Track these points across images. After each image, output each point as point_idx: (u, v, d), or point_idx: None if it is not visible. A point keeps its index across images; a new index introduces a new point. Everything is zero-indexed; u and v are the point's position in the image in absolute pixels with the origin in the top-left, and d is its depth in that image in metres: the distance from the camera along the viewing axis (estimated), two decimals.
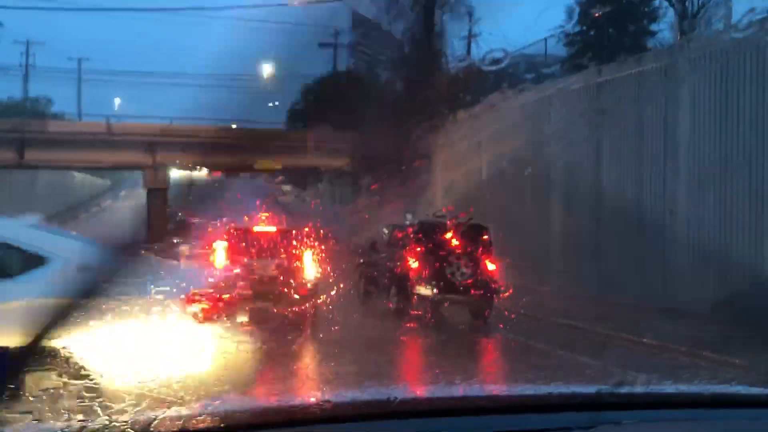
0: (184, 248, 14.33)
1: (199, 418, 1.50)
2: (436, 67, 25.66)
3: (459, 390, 1.86)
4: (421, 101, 25.05)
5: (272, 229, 12.17)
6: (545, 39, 23.13)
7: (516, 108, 18.94)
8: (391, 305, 12.71)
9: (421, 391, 1.95)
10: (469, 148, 21.80)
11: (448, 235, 12.32)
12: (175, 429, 1.46)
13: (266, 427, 1.51)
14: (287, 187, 55.37)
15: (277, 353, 9.57)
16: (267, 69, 45.44)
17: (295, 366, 9.32)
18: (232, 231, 11.97)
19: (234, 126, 37.02)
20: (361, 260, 15.10)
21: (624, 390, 1.79)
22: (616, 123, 14.46)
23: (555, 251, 16.74)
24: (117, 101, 51.30)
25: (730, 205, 11.57)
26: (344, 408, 1.55)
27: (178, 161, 31.62)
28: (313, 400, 1.60)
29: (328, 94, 37.44)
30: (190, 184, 53.90)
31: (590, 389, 1.75)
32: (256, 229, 12.06)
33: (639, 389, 1.83)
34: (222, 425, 1.48)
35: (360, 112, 31.36)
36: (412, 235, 12.55)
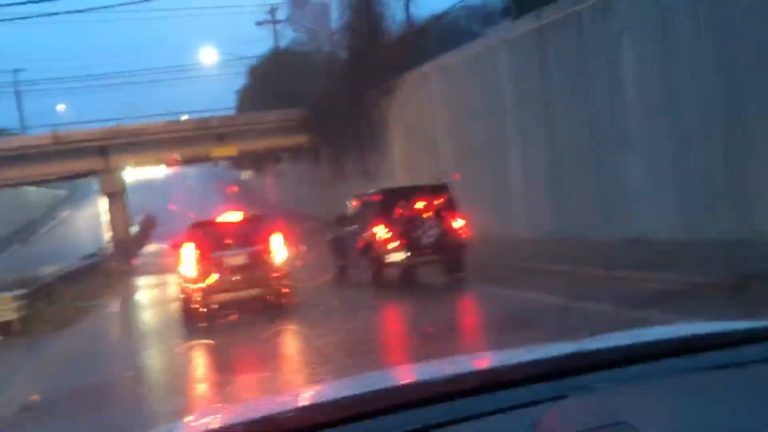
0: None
1: None
2: (378, 31, 25.41)
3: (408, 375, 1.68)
4: (368, 67, 24.87)
5: (237, 217, 12.07)
6: None
7: (463, 62, 18.96)
8: (365, 277, 12.78)
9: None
10: (422, 110, 21.81)
11: (412, 198, 12.38)
12: None
13: None
14: (247, 172, 54.88)
15: (258, 341, 9.62)
16: (209, 55, 44.63)
17: (278, 353, 9.38)
18: (196, 226, 11.84)
19: (184, 118, 36.43)
20: (331, 236, 15.13)
21: (592, 348, 1.65)
22: (562, 65, 14.56)
23: (516, 198, 16.97)
24: (61, 108, 50.00)
25: (680, 131, 11.81)
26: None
27: (131, 161, 31.08)
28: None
29: (274, 72, 36.94)
30: (148, 183, 53.09)
31: (557, 351, 1.61)
32: (220, 220, 11.94)
33: (607, 345, 1.68)
34: None
35: (309, 86, 31.09)
36: (375, 204, 12.57)
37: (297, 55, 38.78)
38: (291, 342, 10.24)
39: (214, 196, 51.87)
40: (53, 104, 49.84)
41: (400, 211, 12.21)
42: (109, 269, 20.56)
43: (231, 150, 33.55)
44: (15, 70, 46.31)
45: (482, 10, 26.12)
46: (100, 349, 11.28)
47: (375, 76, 24.79)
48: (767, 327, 1.62)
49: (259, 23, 43.12)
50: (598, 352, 1.63)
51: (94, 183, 50.76)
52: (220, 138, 32.48)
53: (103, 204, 39.21)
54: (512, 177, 16.98)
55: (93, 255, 24.43)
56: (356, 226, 13.34)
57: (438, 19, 23.58)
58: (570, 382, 1.46)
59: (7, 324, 12.33)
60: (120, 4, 29.59)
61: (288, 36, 43.44)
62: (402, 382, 1.62)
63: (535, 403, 1.37)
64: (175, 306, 12.46)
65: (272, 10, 42.44)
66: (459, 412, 1.35)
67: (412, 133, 22.89)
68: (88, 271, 19.47)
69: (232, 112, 41.86)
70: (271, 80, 37.35)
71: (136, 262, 25.37)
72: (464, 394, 1.42)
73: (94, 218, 41.80)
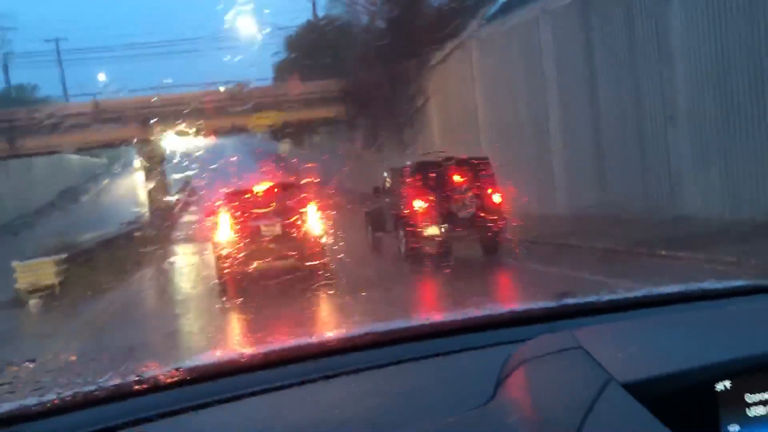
0: None
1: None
2: (417, 1, 24.99)
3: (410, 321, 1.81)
4: (407, 38, 24.51)
5: (272, 186, 12.03)
6: None
7: (504, 34, 18.52)
8: (401, 250, 12.66)
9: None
10: (461, 83, 21.45)
11: (450, 171, 12.17)
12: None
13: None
14: (285, 143, 55.02)
15: (290, 309, 9.62)
16: (248, 25, 44.48)
17: (309, 321, 9.37)
18: (231, 195, 11.84)
19: (222, 88, 36.55)
20: (367, 208, 15.02)
21: (581, 300, 1.82)
22: (607, 37, 14.09)
23: (559, 175, 16.60)
24: (102, 78, 50.52)
25: (730, 105, 11.35)
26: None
27: (170, 131, 31.33)
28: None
29: (312, 43, 36.77)
30: (186, 153, 53.67)
31: (549, 303, 1.78)
32: (256, 189, 11.91)
33: (594, 297, 1.83)
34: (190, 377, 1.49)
35: (347, 58, 30.86)
36: (413, 176, 12.39)
37: (335, 25, 38.54)
38: (323, 310, 10.22)
39: (252, 167, 52.15)
40: (95, 73, 50.45)
41: (438, 183, 12.02)
42: (148, 236, 20.82)
43: (268, 120, 33.62)
44: (57, 39, 46.89)
45: None
46: (137, 314, 11.43)
47: (414, 47, 24.46)
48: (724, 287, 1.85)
49: None
50: (570, 305, 1.81)
51: (134, 152, 51.58)
52: (258, 108, 32.55)
53: (141, 173, 39.87)
54: (554, 151, 16.61)
55: (133, 222, 24.79)
56: (392, 198, 13.20)
57: None
58: (556, 325, 1.64)
59: (49, 288, 12.56)
60: None
61: (326, 6, 43.14)
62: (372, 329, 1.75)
63: (507, 343, 1.52)
64: (212, 273, 12.55)
65: None
66: (444, 348, 1.55)
67: (452, 106, 22.57)
68: (127, 238, 19.74)
69: (269, 82, 41.87)
70: (309, 51, 37.19)
71: (174, 229, 25.69)
72: (440, 335, 1.64)
73: (134, 187, 42.49)
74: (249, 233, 11.30)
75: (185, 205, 36.30)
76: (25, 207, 35.70)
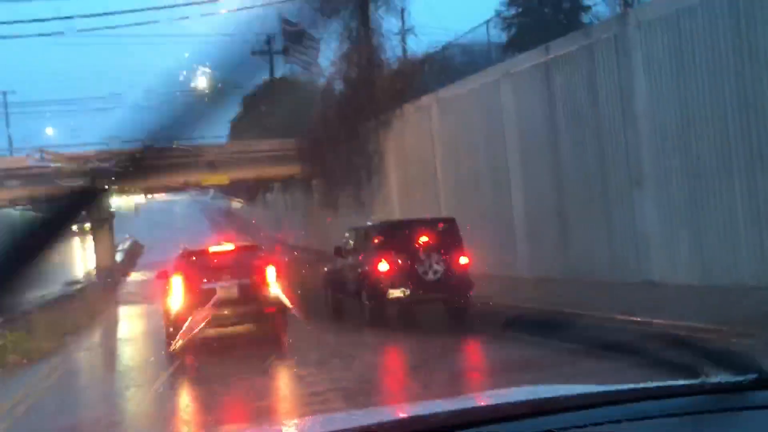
0: None
1: None
2: (376, 63, 25.10)
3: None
4: (365, 98, 24.50)
5: (229, 247, 11.41)
6: (486, 23, 22.73)
7: (465, 95, 18.54)
8: (364, 314, 12.09)
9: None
10: (420, 142, 21.35)
11: (416, 232, 11.78)
12: None
13: None
14: (237, 201, 54.16)
15: (249, 379, 8.93)
16: (202, 82, 44.18)
17: (269, 393, 8.69)
18: (185, 255, 11.16)
19: (176, 144, 35.71)
20: (327, 267, 14.47)
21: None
22: (570, 99, 14.14)
23: (520, 236, 16.38)
24: (50, 131, 49.22)
25: (696, 167, 11.33)
26: None
27: (119, 186, 30.37)
28: None
29: (268, 102, 36.61)
30: (133, 210, 52.24)
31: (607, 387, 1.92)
32: (212, 249, 11.27)
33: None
34: None
35: (303, 117, 30.70)
36: (378, 237, 11.94)
37: (292, 85, 38.56)
38: (282, 383, 9.51)
39: (201, 225, 51.06)
40: (40, 127, 49.15)
41: (403, 244, 11.60)
42: (93, 298, 19.68)
43: (223, 178, 33.03)
44: (4, 92, 45.62)
45: (480, 47, 25.96)
46: (77, 386, 10.51)
47: (372, 107, 24.45)
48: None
49: (254, 53, 42.83)
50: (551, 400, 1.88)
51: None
52: (212, 166, 31.96)
53: (85, 230, 38.37)
54: (515, 213, 16.43)
55: (76, 282, 23.53)
56: (355, 258, 12.70)
57: (436, 52, 23.31)
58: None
59: None
60: (111, 27, 29.19)
61: (284, 66, 43.23)
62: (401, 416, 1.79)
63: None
64: (161, 339, 11.72)
65: (269, 41, 42.30)
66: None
67: (410, 166, 22.42)
68: (70, 299, 18.59)
69: (223, 140, 41.36)
70: (266, 110, 37.03)
71: (120, 291, 24.52)
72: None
73: (77, 244, 40.84)
74: (203, 296, 10.60)
75: (132, 265, 35.00)
76: None
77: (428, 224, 12.05)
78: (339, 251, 13.76)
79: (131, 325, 16.82)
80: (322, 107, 28.75)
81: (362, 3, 25.50)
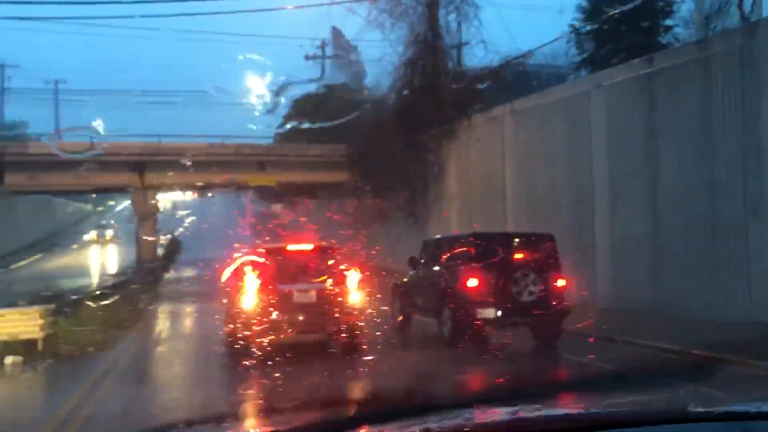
0: None
1: None
2: (442, 70, 24.16)
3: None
4: (427, 107, 23.56)
5: (309, 247, 10.45)
6: (562, 37, 21.73)
7: (545, 107, 17.49)
8: (443, 332, 11.01)
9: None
10: (489, 155, 20.31)
11: (510, 247, 10.70)
12: None
13: None
14: (277, 205, 53.49)
15: (325, 397, 7.92)
16: (255, 83, 43.68)
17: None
18: (262, 252, 10.23)
19: (225, 143, 35.29)
20: (398, 281, 13.42)
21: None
22: (676, 116, 12.99)
23: (601, 263, 15.18)
24: (97, 123, 49.16)
25: None
26: None
27: (167, 181, 29.80)
28: None
29: (319, 107, 35.97)
30: (174, 206, 51.92)
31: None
32: (290, 248, 10.33)
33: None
34: None
35: (355, 124, 29.91)
36: (468, 249, 10.85)
37: (342, 91, 37.89)
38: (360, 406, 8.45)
39: (239, 225, 50.50)
40: (90, 117, 49.11)
41: (496, 259, 10.52)
42: (137, 292, 18.91)
43: (270, 180, 32.35)
44: (56, 81, 45.60)
45: (552, 62, 24.93)
46: (139, 386, 9.60)
47: (435, 116, 23.50)
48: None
49: (308, 57, 42.42)
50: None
51: (124, 200, 49.79)
52: (261, 167, 31.34)
53: (130, 223, 38.00)
54: (598, 238, 15.25)
55: (120, 275, 22.89)
56: (435, 272, 11.65)
57: (509, 63, 22.29)
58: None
59: (32, 342, 10.65)
60: (172, 15, 28.74)
61: (331, 72, 42.70)
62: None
63: None
64: (217, 341, 10.82)
65: (323, 46, 41.76)
66: None
67: (474, 179, 21.36)
68: (115, 293, 17.85)
69: (268, 142, 40.77)
70: (315, 114, 36.40)
71: (163, 286, 23.78)
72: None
73: (121, 236, 40.51)
74: (278, 299, 9.65)
75: (172, 261, 34.41)
76: (3, 247, 33.54)
77: (524, 239, 10.98)
78: (414, 262, 12.72)
79: (179, 322, 15.94)
80: (379, 113, 27.93)
81: (431, 7, 24.64)
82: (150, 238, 27.96)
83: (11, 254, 33.83)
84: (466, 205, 21.85)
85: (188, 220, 46.67)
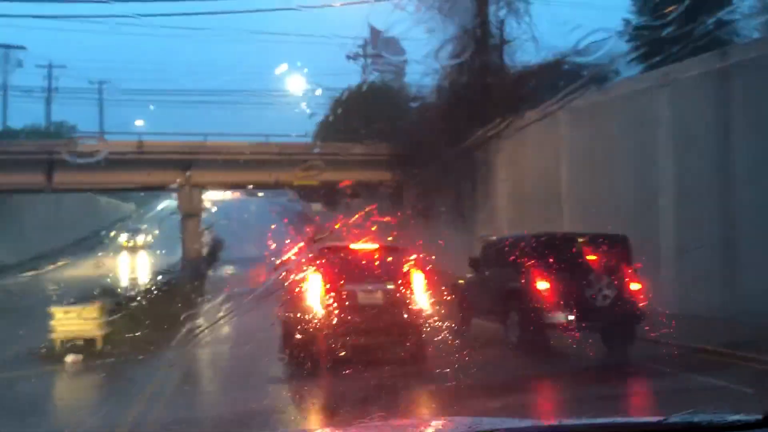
0: None
1: None
2: (492, 67, 23.65)
3: None
4: (477, 104, 23.08)
5: (373, 246, 10.09)
6: (617, 33, 21.03)
7: (604, 104, 16.89)
8: (509, 336, 10.58)
9: None
10: (542, 153, 19.76)
11: (582, 248, 10.21)
12: None
13: None
14: (317, 205, 53.45)
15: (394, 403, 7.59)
16: (296, 83, 43.60)
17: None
18: (323, 252, 9.92)
19: (269, 141, 35.24)
20: (459, 281, 13.02)
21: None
22: (755, 113, 12.34)
23: (665, 266, 14.54)
24: (140, 123, 49.74)
25: None
26: None
27: (211, 180, 29.85)
28: None
29: (360, 106, 35.73)
30: (220, 204, 52.24)
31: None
32: (354, 247, 10.00)
33: None
34: None
35: (398, 122, 29.56)
36: (537, 250, 10.38)
37: (384, 90, 37.59)
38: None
39: (280, 225, 50.58)
40: (135, 116, 49.68)
41: (568, 261, 10.05)
42: (186, 290, 18.80)
43: (313, 179, 32.15)
44: (100, 82, 46.12)
45: (606, 57, 24.20)
46: (202, 386, 9.38)
47: (485, 113, 22.99)
48: None
49: (349, 57, 42.26)
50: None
51: (167, 199, 50.19)
52: (304, 166, 31.17)
53: (170, 221, 38.19)
54: (662, 240, 14.63)
55: (167, 273, 22.88)
56: (500, 273, 11.21)
57: (563, 59, 21.68)
58: None
59: (90, 341, 10.50)
60: (213, 13, 28.71)
61: (370, 72, 42.48)
62: None
63: None
64: (276, 341, 10.53)
65: (364, 45, 41.50)
66: None
67: (527, 179, 20.82)
68: (165, 291, 17.76)
69: (308, 141, 40.67)
70: (356, 113, 36.17)
71: (209, 284, 23.70)
72: None
73: (164, 235, 40.78)
74: (342, 300, 9.32)
75: (215, 260, 34.46)
76: (49, 244, 33.98)
77: (596, 240, 10.46)
78: (476, 263, 12.29)
79: (234, 320, 15.67)
80: (424, 111, 27.56)
81: (481, 3, 24.16)
82: (195, 237, 28.01)
83: (57, 252, 34.25)
84: (517, 205, 21.33)
85: (229, 219, 46.84)
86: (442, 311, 12.29)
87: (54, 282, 23.07)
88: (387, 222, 32.37)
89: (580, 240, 10.47)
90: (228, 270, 28.13)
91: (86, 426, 6.86)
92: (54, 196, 33.80)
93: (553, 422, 2.19)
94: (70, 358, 9.93)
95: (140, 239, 40.24)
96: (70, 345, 10.29)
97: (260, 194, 60.49)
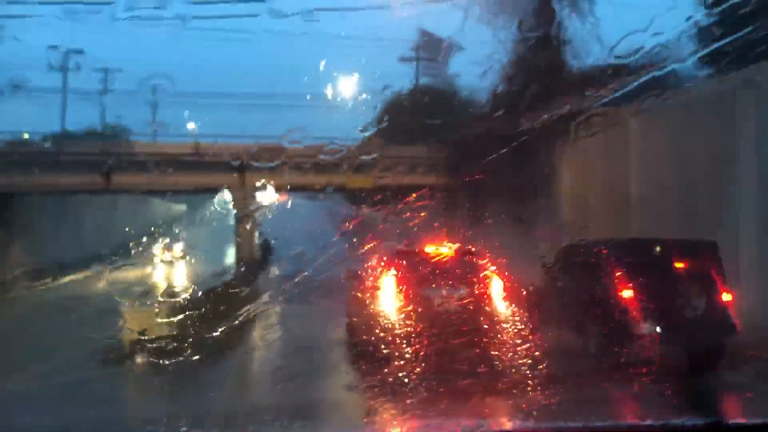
0: None
1: None
2: (556, 65, 23.07)
3: None
4: (539, 105, 22.53)
5: (449, 249, 9.75)
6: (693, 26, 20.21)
7: (680, 106, 16.18)
8: (588, 347, 10.09)
9: None
10: (611, 156, 19.09)
11: (670, 255, 9.67)
12: None
13: None
14: (365, 208, 53.34)
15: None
16: (348, 85, 43.55)
17: None
18: (398, 254, 9.61)
19: (321, 143, 35.10)
20: (527, 289, 12.53)
21: None
22: None
23: (747, 275, 13.79)
24: (191, 125, 50.34)
25: None
26: None
27: (265, 181, 29.94)
28: None
29: (413, 107, 35.46)
30: (272, 206, 52.61)
31: None
32: (429, 250, 9.67)
33: None
34: None
35: (454, 123, 29.17)
36: (621, 257, 9.86)
37: (437, 92, 37.20)
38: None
39: (330, 228, 50.49)
40: (187, 117, 50.30)
41: (654, 269, 9.52)
42: (245, 291, 18.71)
43: (367, 181, 31.96)
44: (154, 86, 46.71)
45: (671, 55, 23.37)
46: (270, 384, 9.17)
47: (546, 115, 22.42)
48: None
49: (402, 59, 42.02)
50: None
51: (218, 200, 50.71)
52: (357, 168, 31.04)
53: (224, 222, 38.48)
54: (743, 247, 13.89)
55: (223, 274, 22.95)
56: (579, 281, 10.72)
57: (632, 57, 20.94)
58: None
59: (160, 341, 10.37)
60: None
61: (430, 73, 42.12)
62: None
63: None
64: (344, 347, 10.29)
65: (417, 48, 41.19)
66: None
67: (593, 182, 20.18)
68: (225, 291, 17.68)
69: (361, 143, 40.59)
70: (407, 115, 35.88)
71: (265, 285, 23.68)
72: None
73: (214, 236, 41.12)
74: (417, 305, 9.00)
75: (267, 262, 34.53)
76: (105, 244, 34.58)
77: (684, 246, 9.90)
78: (549, 269, 11.80)
79: (295, 323, 15.45)
80: (480, 113, 27.13)
81: (544, 1, 23.63)
82: (249, 238, 28.13)
83: (113, 252, 34.82)
84: (582, 209, 20.69)
85: (280, 221, 47.04)
86: (517, 318, 11.86)
87: (115, 281, 23.34)
88: (441, 225, 31.93)
89: (667, 246, 9.91)
90: (283, 271, 28.09)
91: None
92: (109, 198, 34.43)
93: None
94: (141, 358, 9.84)
95: (189, 241, 40.53)
96: (140, 345, 10.19)
97: (307, 196, 60.66)
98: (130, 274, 28.53)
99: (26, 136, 31.38)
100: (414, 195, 35.80)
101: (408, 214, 36.88)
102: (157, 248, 34.05)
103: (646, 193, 17.36)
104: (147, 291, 15.93)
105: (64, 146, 28.31)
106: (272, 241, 37.36)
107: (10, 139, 28.59)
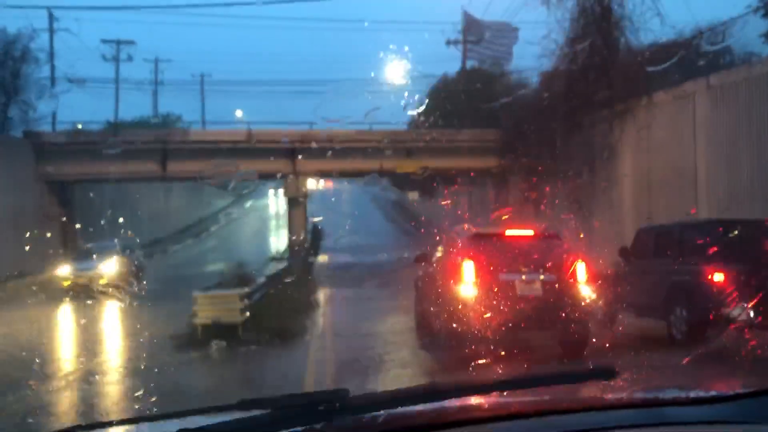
0: None
1: None
2: (613, 45, 22.32)
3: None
4: (596, 86, 21.88)
5: (529, 233, 9.45)
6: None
7: (751, 82, 15.50)
8: (673, 332, 9.70)
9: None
10: (676, 137, 18.43)
11: (758, 238, 9.21)
12: None
13: None
14: (413, 193, 53.01)
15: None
16: (396, 70, 43.14)
17: None
18: (476, 238, 9.35)
19: (372, 129, 35.02)
20: (608, 271, 12.14)
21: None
22: None
23: None
24: (239, 113, 50.70)
25: None
26: None
27: (317, 167, 29.90)
28: None
29: (463, 91, 34.94)
30: (321, 192, 52.78)
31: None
32: (509, 233, 9.38)
33: None
34: None
35: (505, 107, 28.60)
36: (707, 239, 9.43)
37: (486, 75, 36.59)
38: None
39: (375, 214, 50.55)
40: (236, 105, 50.77)
41: (743, 251, 9.07)
42: (300, 276, 18.71)
43: (415, 166, 31.69)
44: (202, 75, 47.09)
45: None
46: (335, 375, 9.03)
47: (604, 96, 21.79)
48: None
49: (449, 42, 41.44)
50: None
51: (268, 187, 51.11)
52: (408, 153, 30.79)
53: (274, 208, 38.60)
54: None
55: (279, 259, 23.02)
56: (663, 265, 10.30)
57: (697, 36, 20.18)
58: None
59: (232, 327, 10.37)
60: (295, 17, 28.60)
61: (477, 57, 41.45)
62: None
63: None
64: (407, 331, 10.08)
65: (464, 30, 40.60)
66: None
67: (656, 165, 19.53)
68: (282, 277, 17.70)
69: (404, 127, 40.22)
70: (455, 99, 35.40)
71: (319, 272, 23.67)
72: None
73: (262, 221, 41.41)
74: (498, 290, 8.73)
75: (317, 248, 34.61)
76: (160, 230, 35.15)
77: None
78: (626, 254, 11.39)
79: (353, 307, 15.32)
80: (536, 95, 26.53)
81: None
82: (300, 224, 28.17)
83: (169, 238, 35.33)
84: (644, 192, 20.08)
85: (329, 207, 47.18)
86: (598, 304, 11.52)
87: (173, 266, 23.63)
88: (495, 209, 31.53)
89: (758, 228, 9.45)
90: (336, 257, 28.10)
91: None
92: (163, 185, 34.90)
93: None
94: (215, 344, 9.82)
95: (239, 226, 41.10)
96: (212, 331, 10.18)
97: (354, 183, 60.65)
98: (183, 257, 29.07)
99: (80, 126, 31.98)
100: (461, 180, 35.27)
101: (448, 199, 36.60)
102: (204, 236, 34.87)
103: (713, 173, 16.70)
104: (207, 277, 16.01)
105: (124, 135, 28.77)
106: (322, 226, 37.48)
107: (70, 129, 29.27)
